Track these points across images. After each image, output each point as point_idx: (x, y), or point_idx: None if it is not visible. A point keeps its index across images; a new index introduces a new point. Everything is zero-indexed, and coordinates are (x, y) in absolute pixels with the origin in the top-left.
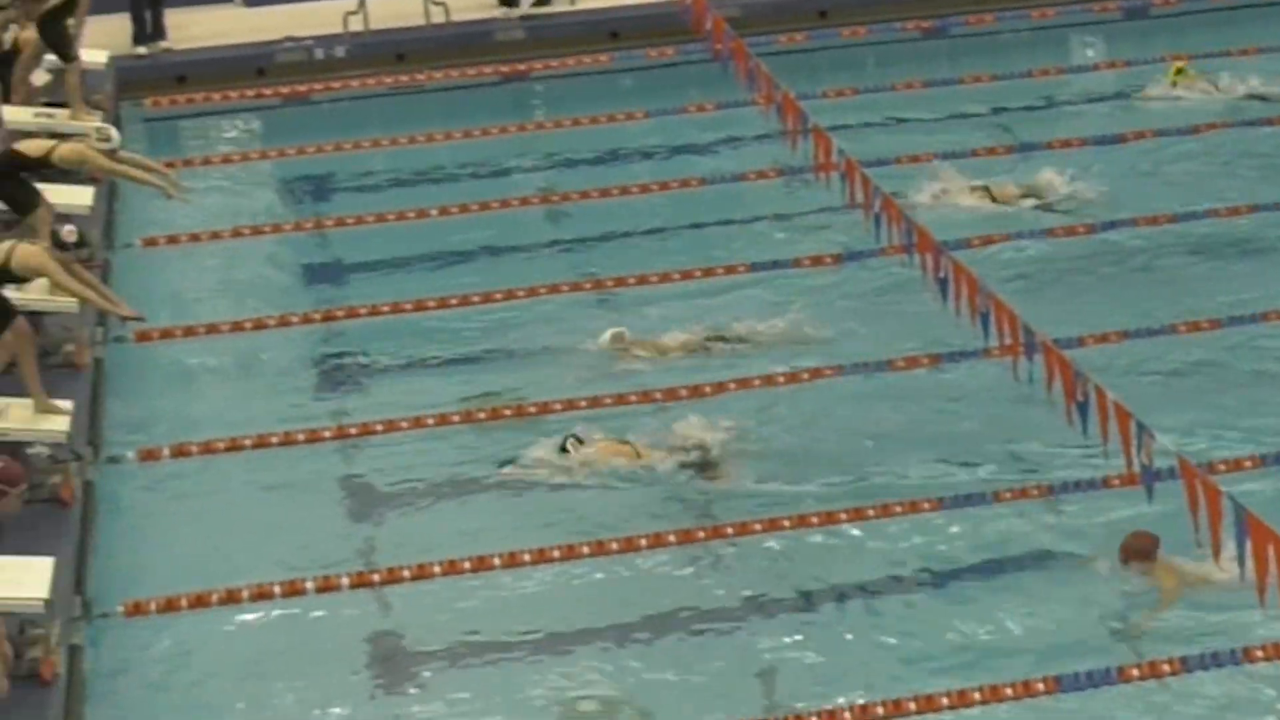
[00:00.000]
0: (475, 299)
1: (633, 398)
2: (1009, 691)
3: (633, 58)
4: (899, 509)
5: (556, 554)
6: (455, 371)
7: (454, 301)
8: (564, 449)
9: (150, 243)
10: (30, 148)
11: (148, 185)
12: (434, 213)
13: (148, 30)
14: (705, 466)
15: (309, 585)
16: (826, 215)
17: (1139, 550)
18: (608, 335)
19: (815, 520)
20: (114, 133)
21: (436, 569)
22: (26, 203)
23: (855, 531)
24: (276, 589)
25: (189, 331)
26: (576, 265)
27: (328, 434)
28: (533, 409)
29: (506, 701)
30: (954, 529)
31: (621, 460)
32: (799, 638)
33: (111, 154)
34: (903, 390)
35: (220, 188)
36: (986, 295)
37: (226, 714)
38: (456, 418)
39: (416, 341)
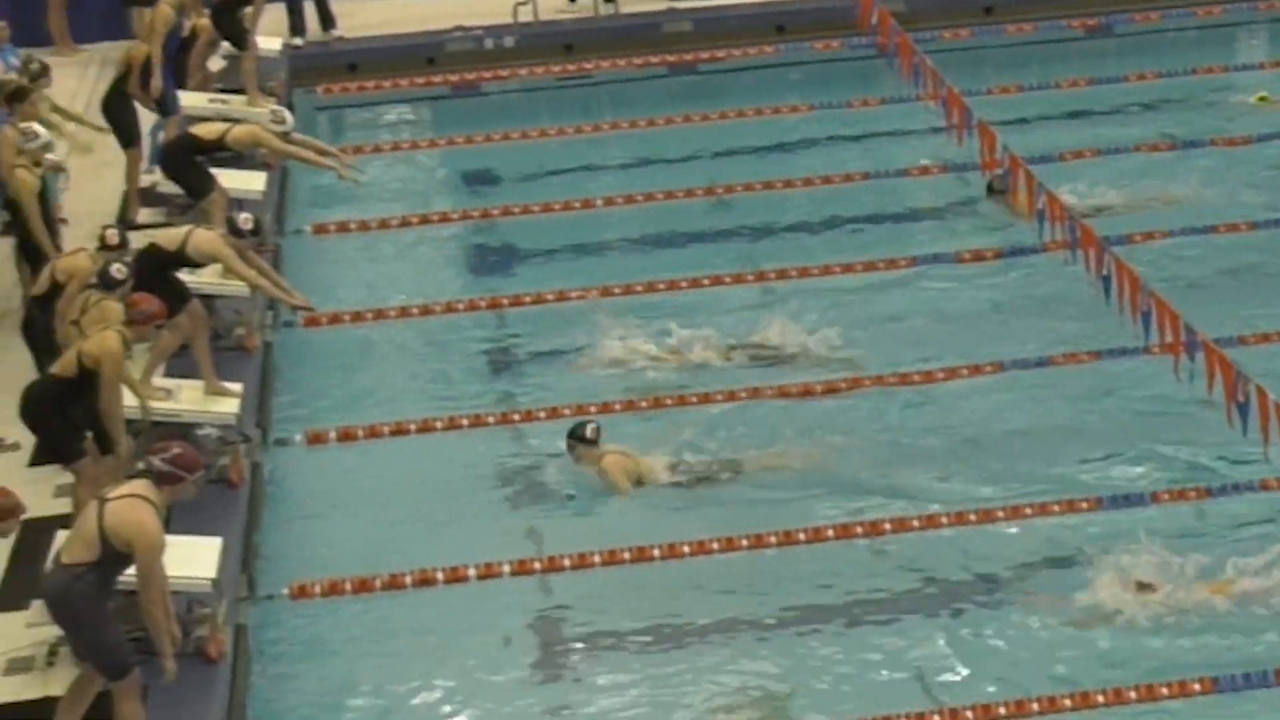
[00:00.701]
0: (639, 288)
1: (793, 390)
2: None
3: (799, 51)
4: (1055, 508)
5: (715, 545)
6: (619, 360)
7: (617, 290)
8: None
9: (320, 229)
10: (205, 131)
11: (320, 167)
12: (599, 203)
13: (304, 21)
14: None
15: (471, 572)
16: (989, 210)
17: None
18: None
19: (973, 518)
20: (287, 116)
21: (596, 558)
22: (201, 188)
23: (1012, 529)
24: (439, 575)
25: (357, 317)
26: (739, 257)
27: (492, 419)
28: (694, 399)
29: (666, 689)
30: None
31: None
32: (965, 632)
33: (285, 136)
34: (1063, 386)
35: (389, 175)
36: (1148, 293)
37: (387, 698)
38: (619, 406)
39: (581, 329)
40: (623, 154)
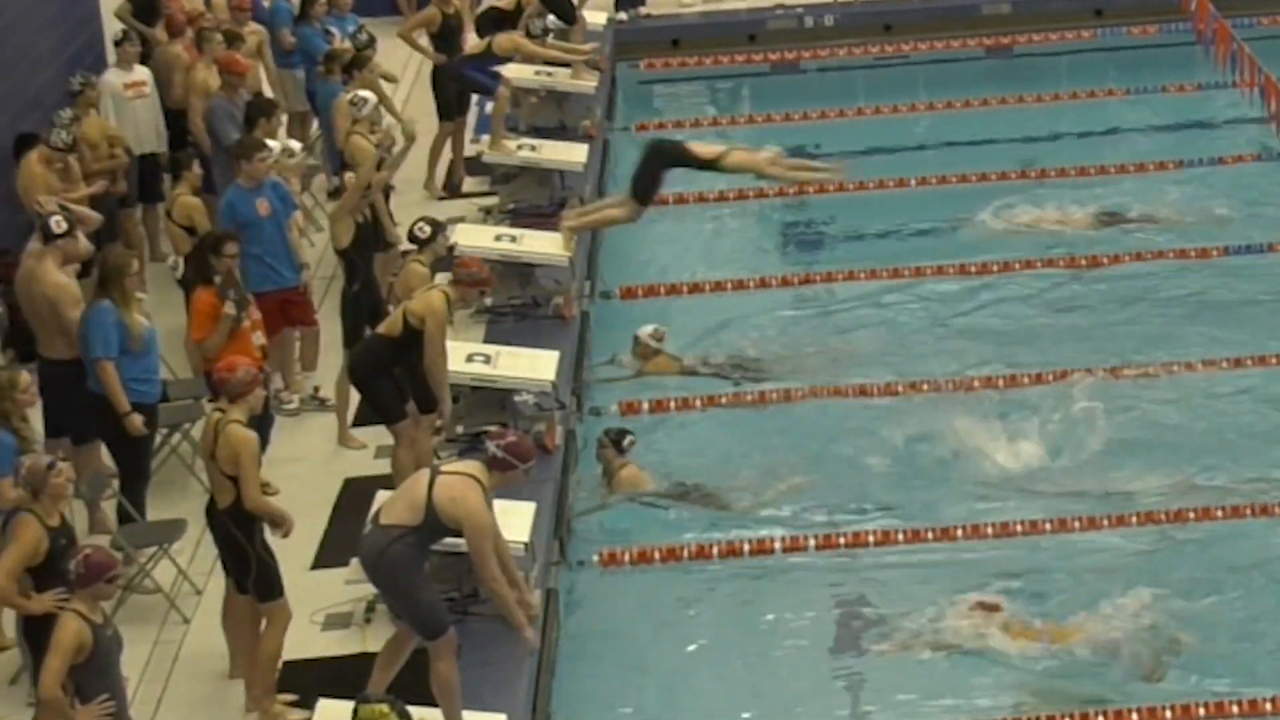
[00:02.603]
0: (950, 270)
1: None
2: None
3: (1116, 35)
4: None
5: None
6: (931, 339)
7: (929, 271)
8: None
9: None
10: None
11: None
12: (912, 183)
13: None
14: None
15: (776, 544)
16: None
17: None
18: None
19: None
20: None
21: (900, 536)
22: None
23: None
24: (745, 547)
25: (672, 290)
26: (1047, 242)
27: (800, 394)
28: (1026, 379)
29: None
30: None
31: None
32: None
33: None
34: None
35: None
36: None
37: (690, 666)
38: (949, 385)
39: (892, 309)
40: (936, 135)
